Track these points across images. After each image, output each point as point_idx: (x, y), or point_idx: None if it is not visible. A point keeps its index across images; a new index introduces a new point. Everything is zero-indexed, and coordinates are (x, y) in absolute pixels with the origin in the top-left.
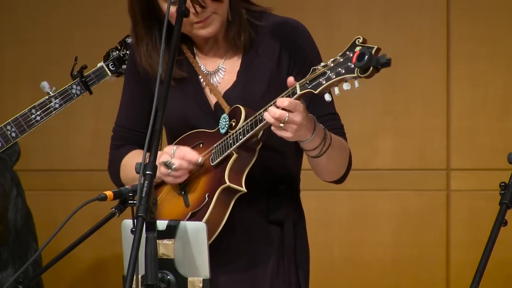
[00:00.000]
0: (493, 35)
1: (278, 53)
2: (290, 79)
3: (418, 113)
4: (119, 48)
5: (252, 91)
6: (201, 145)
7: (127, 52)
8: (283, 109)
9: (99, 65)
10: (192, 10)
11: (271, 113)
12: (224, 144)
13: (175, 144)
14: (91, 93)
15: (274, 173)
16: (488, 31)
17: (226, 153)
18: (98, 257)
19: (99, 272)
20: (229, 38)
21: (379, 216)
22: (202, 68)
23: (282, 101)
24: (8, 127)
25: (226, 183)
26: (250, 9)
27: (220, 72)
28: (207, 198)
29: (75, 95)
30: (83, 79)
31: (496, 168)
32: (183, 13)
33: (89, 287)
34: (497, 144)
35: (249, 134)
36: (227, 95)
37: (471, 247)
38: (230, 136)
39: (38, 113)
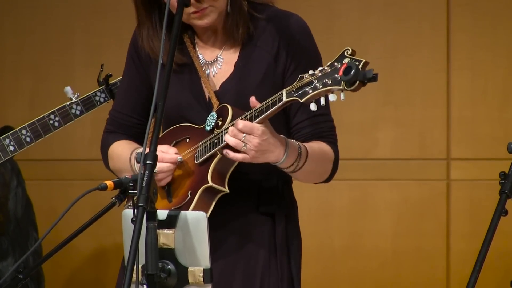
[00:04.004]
0: (493, 25)
1: (277, 47)
2: (252, 99)
3: (418, 103)
4: None
5: (248, 83)
6: (187, 140)
7: None
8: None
9: None
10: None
11: (229, 132)
12: (209, 143)
13: (162, 135)
14: None
15: (265, 165)
16: (488, 21)
17: (210, 152)
18: (98, 247)
19: (99, 262)
20: (227, 29)
21: (379, 206)
22: (200, 58)
23: (238, 123)
24: (24, 131)
25: (208, 183)
26: (253, 1)
27: (218, 63)
28: (189, 196)
29: (98, 103)
30: (109, 87)
31: (496, 157)
32: (183, 2)
33: (89, 276)
34: (497, 134)
35: None
36: (223, 86)
37: (471, 237)
38: (215, 135)
39: (57, 119)
